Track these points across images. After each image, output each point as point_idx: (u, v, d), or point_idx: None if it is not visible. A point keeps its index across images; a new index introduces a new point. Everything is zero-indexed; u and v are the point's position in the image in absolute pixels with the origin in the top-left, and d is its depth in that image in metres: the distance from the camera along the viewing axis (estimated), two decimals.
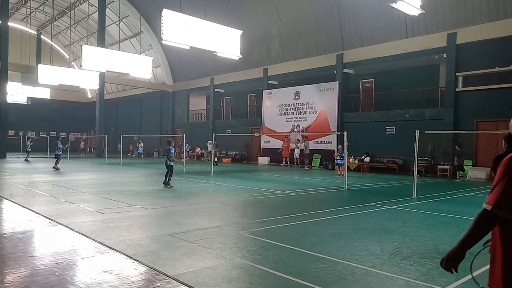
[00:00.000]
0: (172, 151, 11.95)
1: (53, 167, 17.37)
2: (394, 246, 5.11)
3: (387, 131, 20.45)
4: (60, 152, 18.24)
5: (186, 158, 20.40)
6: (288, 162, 23.96)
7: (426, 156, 18.22)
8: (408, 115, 19.42)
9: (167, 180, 11.51)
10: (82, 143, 39.42)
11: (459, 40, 17.58)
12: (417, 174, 10.92)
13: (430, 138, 17.68)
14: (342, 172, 14.72)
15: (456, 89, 17.75)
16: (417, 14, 12.28)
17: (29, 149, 25.66)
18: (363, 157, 20.59)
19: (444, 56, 18.23)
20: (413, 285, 3.71)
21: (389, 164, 19.67)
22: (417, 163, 11.21)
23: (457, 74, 17.72)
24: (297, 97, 24.65)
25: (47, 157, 27.48)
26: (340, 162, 16.50)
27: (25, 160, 24.08)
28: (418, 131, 10.64)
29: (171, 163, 11.61)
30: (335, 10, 21.66)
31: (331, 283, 3.70)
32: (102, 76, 29.27)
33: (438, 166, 17.84)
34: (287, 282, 3.75)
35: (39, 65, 26.68)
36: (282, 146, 24.27)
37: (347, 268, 4.17)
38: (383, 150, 20.32)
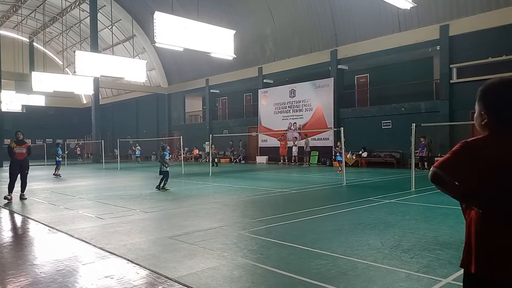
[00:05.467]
0: (167, 156, 11.71)
1: (54, 174, 17.30)
2: (394, 240, 5.12)
3: (383, 126, 20.49)
4: (61, 159, 18.24)
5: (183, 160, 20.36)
6: (286, 160, 23.98)
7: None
8: (403, 109, 19.46)
9: (161, 185, 11.24)
10: (78, 149, 39.20)
11: (452, 32, 17.63)
12: (415, 167, 10.94)
13: (427, 131, 17.72)
14: (341, 168, 14.74)
15: (451, 81, 17.80)
16: (409, 8, 12.31)
17: None
18: (360, 152, 20.62)
19: (438, 49, 18.27)
20: (414, 277, 3.72)
21: (387, 158, 19.71)
22: (414, 156, 11.24)
23: (451, 66, 17.76)
24: (292, 95, 24.66)
25: (44, 165, 27.35)
26: (340, 159, 16.53)
27: None
28: (414, 124, 10.66)
29: (166, 169, 11.38)
30: (328, 6, 21.67)
31: (332, 279, 3.71)
32: (96, 81, 29.14)
33: (436, 158, 17.87)
34: (289, 280, 3.75)
35: (33, 73, 26.48)
36: (280, 144, 24.31)
37: (348, 264, 4.18)
38: (380, 144, 20.37)
